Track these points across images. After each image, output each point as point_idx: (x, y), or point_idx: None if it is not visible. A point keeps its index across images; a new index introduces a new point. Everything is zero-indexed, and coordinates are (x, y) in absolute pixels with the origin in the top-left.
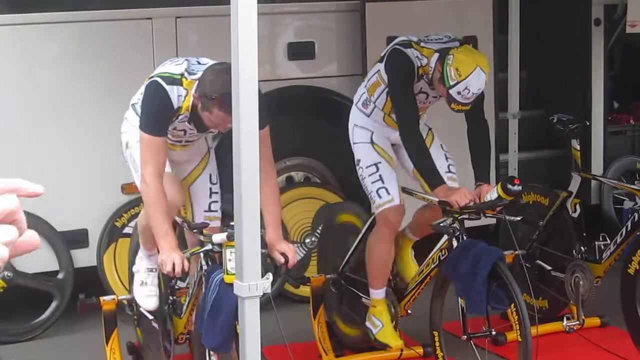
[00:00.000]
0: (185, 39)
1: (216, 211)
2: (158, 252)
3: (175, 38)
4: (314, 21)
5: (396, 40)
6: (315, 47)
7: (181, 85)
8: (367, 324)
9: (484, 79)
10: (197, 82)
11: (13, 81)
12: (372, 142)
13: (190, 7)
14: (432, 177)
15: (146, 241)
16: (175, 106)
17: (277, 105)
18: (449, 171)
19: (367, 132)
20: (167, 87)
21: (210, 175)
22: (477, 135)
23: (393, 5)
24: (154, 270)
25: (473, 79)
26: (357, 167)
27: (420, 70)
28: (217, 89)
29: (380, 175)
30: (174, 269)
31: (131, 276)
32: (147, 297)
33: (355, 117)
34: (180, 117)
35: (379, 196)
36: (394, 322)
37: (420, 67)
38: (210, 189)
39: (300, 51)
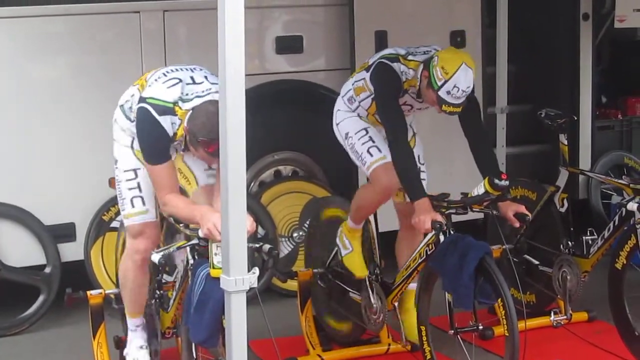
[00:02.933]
0: (173, 32)
1: (214, 176)
2: (144, 317)
3: (163, 31)
4: (302, 15)
5: (384, 53)
6: (304, 41)
7: (174, 114)
8: (337, 241)
9: (472, 76)
10: (189, 113)
11: None
12: (358, 116)
13: (178, 0)
14: (413, 190)
15: (129, 303)
16: (171, 133)
17: (265, 100)
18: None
19: (352, 112)
20: (159, 117)
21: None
22: (471, 121)
23: None
24: (144, 347)
25: (460, 75)
26: (347, 141)
27: (406, 84)
28: (206, 132)
29: (370, 137)
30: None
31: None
32: None
33: (340, 105)
34: (175, 142)
35: (370, 155)
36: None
37: (406, 81)
38: None
39: (288, 45)
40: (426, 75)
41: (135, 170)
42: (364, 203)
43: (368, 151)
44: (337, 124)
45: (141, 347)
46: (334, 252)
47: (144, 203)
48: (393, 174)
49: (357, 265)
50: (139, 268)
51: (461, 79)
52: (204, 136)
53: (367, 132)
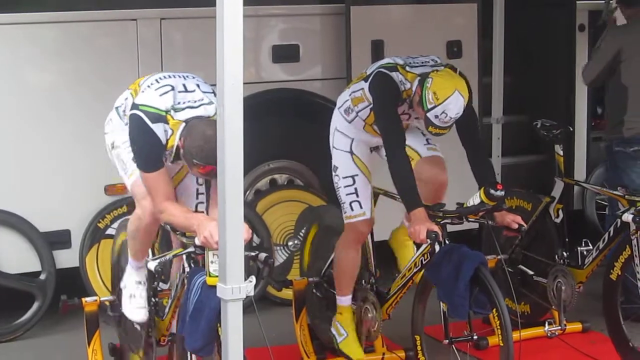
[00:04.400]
0: (170, 40)
1: (202, 212)
2: (147, 262)
3: (160, 40)
4: (298, 24)
5: (382, 62)
6: (300, 50)
7: (166, 122)
8: (332, 330)
9: (462, 104)
10: (183, 125)
11: None
12: (351, 152)
13: (175, 8)
14: (409, 200)
15: (136, 251)
16: (164, 141)
17: (261, 108)
18: (427, 143)
19: (348, 140)
20: (152, 125)
21: (197, 177)
22: (469, 131)
23: (378, 9)
24: (142, 283)
25: (451, 103)
26: (334, 174)
27: (404, 94)
28: (203, 157)
29: (355, 188)
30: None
31: (116, 283)
32: (136, 309)
33: (337, 121)
34: (166, 152)
35: (352, 209)
36: (368, 332)
37: (404, 90)
38: (197, 189)
39: (284, 54)
40: (419, 93)
41: None
42: (342, 264)
43: (350, 204)
44: (334, 148)
45: (139, 283)
46: (329, 261)
47: None
48: (368, 228)
49: (353, 349)
50: (152, 224)
51: (451, 106)
52: (200, 160)
53: (353, 182)
